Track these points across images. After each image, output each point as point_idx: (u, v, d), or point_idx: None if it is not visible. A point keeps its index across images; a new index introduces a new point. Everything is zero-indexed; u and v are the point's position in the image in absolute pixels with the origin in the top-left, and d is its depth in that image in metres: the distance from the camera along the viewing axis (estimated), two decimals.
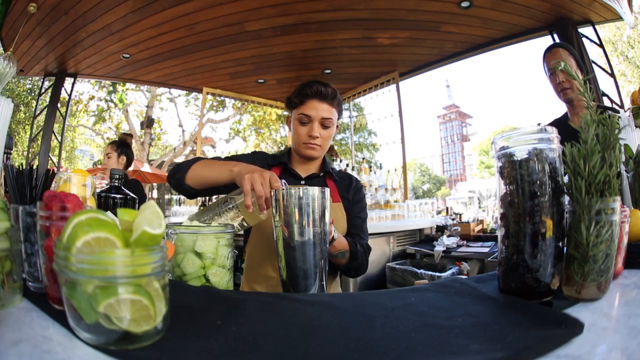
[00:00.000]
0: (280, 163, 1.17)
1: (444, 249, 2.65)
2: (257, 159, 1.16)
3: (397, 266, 2.57)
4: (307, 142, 1.10)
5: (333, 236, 0.87)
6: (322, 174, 1.18)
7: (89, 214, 0.39)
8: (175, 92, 9.96)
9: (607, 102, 3.04)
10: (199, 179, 0.98)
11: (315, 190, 0.65)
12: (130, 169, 7.98)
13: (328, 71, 4.35)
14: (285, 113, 5.79)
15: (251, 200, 0.76)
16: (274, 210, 0.68)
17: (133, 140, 9.85)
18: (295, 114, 1.12)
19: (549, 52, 1.65)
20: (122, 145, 2.50)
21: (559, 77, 1.58)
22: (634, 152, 0.86)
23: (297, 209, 0.64)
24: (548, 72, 1.65)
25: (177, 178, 1.01)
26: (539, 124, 0.54)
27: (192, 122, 11.49)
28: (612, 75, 3.23)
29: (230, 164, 0.92)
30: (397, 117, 4.44)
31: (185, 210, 3.83)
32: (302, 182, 1.15)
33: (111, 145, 2.50)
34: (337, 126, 1.17)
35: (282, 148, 5.32)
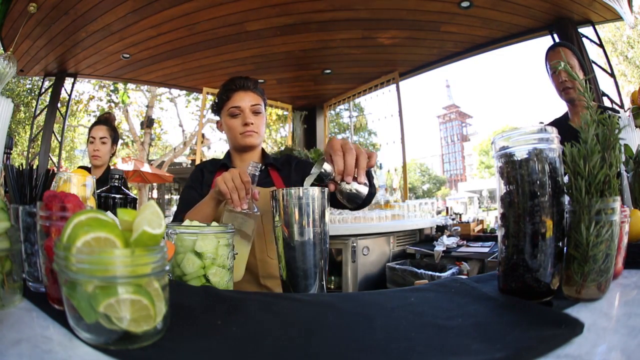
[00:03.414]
0: (222, 165, 1.20)
1: (444, 249, 2.65)
2: (198, 171, 1.21)
3: (397, 266, 2.57)
4: (244, 132, 1.14)
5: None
6: (263, 166, 1.19)
7: (89, 214, 0.39)
8: (175, 92, 9.96)
9: (607, 102, 3.04)
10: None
11: (315, 191, 0.65)
12: (130, 168, 7.92)
13: (328, 71, 4.35)
14: (286, 113, 5.80)
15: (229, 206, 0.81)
16: (273, 211, 0.68)
17: (132, 141, 9.89)
18: (225, 111, 1.16)
19: (551, 51, 1.65)
20: (114, 129, 2.10)
21: (561, 77, 1.57)
22: (634, 152, 0.86)
23: (297, 209, 0.64)
24: (550, 71, 1.64)
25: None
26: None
27: (192, 122, 11.49)
28: (612, 75, 3.23)
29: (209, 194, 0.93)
30: (397, 117, 4.44)
31: None
32: None
33: (107, 128, 2.02)
34: (265, 116, 1.22)
35: (283, 148, 5.31)
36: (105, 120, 2.10)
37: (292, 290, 0.66)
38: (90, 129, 2.06)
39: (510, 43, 3.60)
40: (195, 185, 1.19)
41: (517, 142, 0.53)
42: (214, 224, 0.79)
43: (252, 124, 1.13)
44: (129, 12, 3.11)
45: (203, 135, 9.34)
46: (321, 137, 5.43)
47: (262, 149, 1.24)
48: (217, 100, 1.20)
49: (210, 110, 1.27)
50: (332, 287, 2.60)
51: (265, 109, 1.21)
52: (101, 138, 1.98)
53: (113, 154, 2.10)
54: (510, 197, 0.53)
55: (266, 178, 1.16)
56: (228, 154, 1.25)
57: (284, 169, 1.20)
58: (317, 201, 0.65)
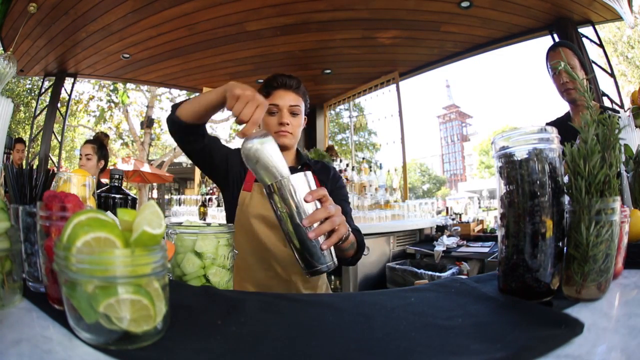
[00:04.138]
0: None
1: (444, 249, 2.65)
2: (235, 154, 1.16)
3: (397, 266, 2.57)
4: (278, 131, 1.12)
5: (349, 230, 0.78)
6: (299, 167, 1.19)
7: (89, 214, 0.39)
8: (175, 92, 9.95)
9: (607, 102, 3.04)
10: (191, 108, 0.95)
11: (300, 175, 0.68)
12: (130, 168, 7.91)
13: (328, 71, 4.35)
14: None
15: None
16: (272, 203, 0.69)
17: (132, 141, 9.89)
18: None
19: (552, 51, 1.63)
20: (102, 147, 2.40)
21: (562, 77, 1.56)
22: (634, 152, 0.86)
23: (293, 192, 0.67)
24: (551, 72, 1.63)
25: (171, 117, 0.98)
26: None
27: None
28: (612, 75, 3.23)
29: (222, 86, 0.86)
30: (397, 117, 4.44)
31: (185, 210, 3.82)
32: None
33: (92, 146, 2.35)
34: (305, 119, 1.19)
35: None
36: (94, 139, 2.46)
37: (311, 262, 0.68)
38: (81, 147, 2.41)
39: (510, 43, 3.60)
40: (225, 146, 1.14)
41: (517, 142, 0.53)
42: (214, 223, 0.79)
43: (287, 124, 1.11)
44: (129, 12, 3.11)
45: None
46: (321, 137, 5.43)
47: (297, 150, 1.22)
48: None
49: None
50: (332, 287, 2.60)
51: (306, 110, 1.18)
52: (86, 155, 2.30)
53: (102, 170, 2.36)
54: (510, 197, 0.53)
55: None
56: None
57: (321, 174, 1.19)
58: (309, 183, 0.68)
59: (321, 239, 0.68)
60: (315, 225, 0.67)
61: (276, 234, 1.05)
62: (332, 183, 1.19)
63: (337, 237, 0.70)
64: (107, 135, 2.64)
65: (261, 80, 4.69)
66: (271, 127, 1.13)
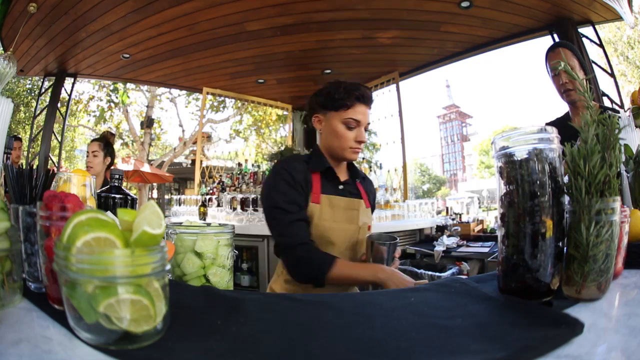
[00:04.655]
0: (325, 169, 1.13)
1: (444, 249, 2.65)
2: (289, 174, 1.09)
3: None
4: (354, 147, 1.11)
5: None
6: (357, 180, 1.22)
7: (89, 214, 0.39)
8: (175, 92, 9.95)
9: (607, 102, 3.04)
10: (342, 279, 1.04)
11: (393, 244, 1.07)
12: (130, 168, 7.89)
13: (328, 71, 4.35)
14: (286, 113, 5.80)
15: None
16: (381, 249, 1.05)
17: (132, 141, 9.90)
18: (341, 116, 1.09)
19: (551, 51, 1.62)
20: (108, 145, 2.44)
21: (562, 79, 1.55)
22: (634, 152, 0.86)
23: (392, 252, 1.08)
24: (551, 73, 1.62)
25: (317, 279, 1.02)
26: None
27: (192, 122, 11.44)
28: (612, 75, 3.23)
29: (372, 269, 1.02)
30: (397, 117, 4.44)
31: (185, 210, 3.82)
32: (340, 186, 1.16)
33: (98, 143, 2.39)
34: None
35: (282, 148, 5.30)
36: (100, 137, 2.48)
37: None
38: (87, 145, 2.45)
39: (510, 43, 3.60)
40: (295, 185, 1.08)
41: (517, 142, 0.53)
42: (214, 223, 0.79)
43: (364, 142, 1.12)
44: (129, 12, 3.11)
45: (210, 137, 9.32)
46: None
47: (351, 161, 1.22)
48: (329, 97, 1.10)
49: (317, 103, 1.15)
50: None
51: None
52: (93, 152, 2.34)
53: (108, 167, 2.39)
54: (510, 197, 0.53)
55: (357, 190, 1.20)
56: (323, 157, 1.15)
57: (369, 186, 1.29)
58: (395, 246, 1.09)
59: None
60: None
61: (343, 236, 1.13)
62: (373, 193, 1.32)
63: None
64: (112, 134, 2.68)
65: (261, 80, 4.63)
66: (347, 141, 1.10)
